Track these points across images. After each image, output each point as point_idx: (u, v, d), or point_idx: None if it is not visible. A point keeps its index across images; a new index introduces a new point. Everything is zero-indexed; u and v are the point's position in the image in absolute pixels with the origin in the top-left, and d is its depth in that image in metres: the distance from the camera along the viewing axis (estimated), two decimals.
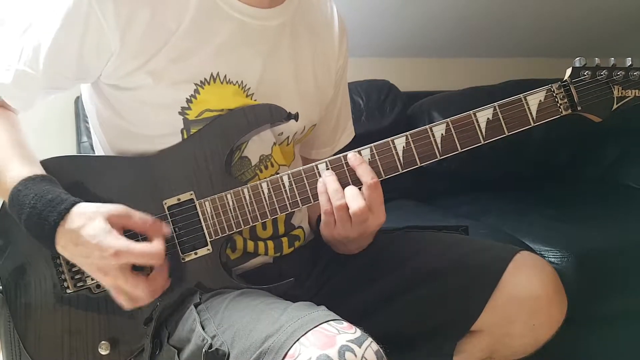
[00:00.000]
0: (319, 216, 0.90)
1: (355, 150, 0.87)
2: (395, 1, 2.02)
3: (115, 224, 0.77)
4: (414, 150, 0.87)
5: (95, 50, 0.84)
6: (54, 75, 0.86)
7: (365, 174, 0.84)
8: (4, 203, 0.84)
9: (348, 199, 0.83)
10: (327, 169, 0.86)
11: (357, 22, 1.97)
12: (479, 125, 0.87)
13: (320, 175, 0.86)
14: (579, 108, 0.88)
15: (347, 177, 0.86)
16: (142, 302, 0.80)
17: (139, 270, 0.80)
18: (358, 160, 0.85)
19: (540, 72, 2.01)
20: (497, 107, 0.87)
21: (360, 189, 0.85)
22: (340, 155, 0.87)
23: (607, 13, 2.31)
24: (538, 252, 1.45)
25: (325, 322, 0.70)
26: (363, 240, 0.92)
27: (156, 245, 0.78)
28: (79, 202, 0.78)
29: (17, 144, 0.85)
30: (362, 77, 2.01)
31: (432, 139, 0.86)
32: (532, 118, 0.87)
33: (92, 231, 0.75)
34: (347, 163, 0.86)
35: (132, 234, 0.81)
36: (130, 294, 0.78)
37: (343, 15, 1.08)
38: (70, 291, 0.86)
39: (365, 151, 0.86)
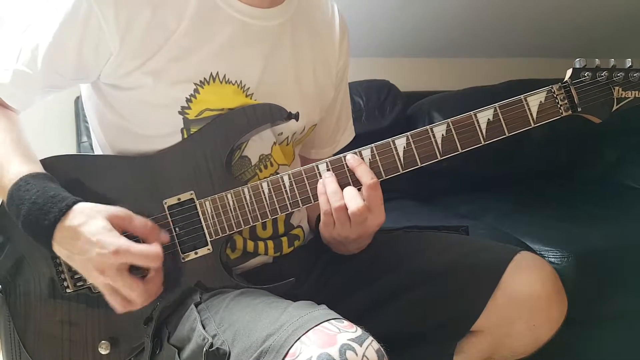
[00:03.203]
0: (319, 216, 0.90)
1: (356, 150, 0.87)
2: (396, 1, 2.02)
3: (116, 225, 0.77)
4: (414, 150, 0.87)
5: (94, 50, 0.84)
6: (52, 75, 0.86)
7: (365, 175, 0.84)
8: (3, 202, 0.84)
9: (347, 200, 0.83)
10: (328, 169, 0.86)
11: (357, 22, 1.97)
12: (479, 126, 0.87)
13: (320, 176, 0.86)
14: (579, 109, 0.88)
15: (348, 178, 0.86)
16: (136, 306, 0.79)
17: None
18: (357, 161, 0.85)
19: (540, 72, 2.01)
20: (497, 108, 0.87)
21: (359, 189, 0.85)
22: (340, 155, 0.87)
23: (608, 14, 2.31)
24: (538, 252, 1.45)
25: (326, 320, 0.71)
26: (362, 241, 0.92)
27: (155, 248, 0.78)
28: (80, 201, 0.78)
29: (18, 142, 0.85)
30: (362, 77, 2.01)
31: (432, 139, 0.86)
32: (533, 119, 0.87)
33: (92, 228, 0.75)
34: (347, 164, 0.86)
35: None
36: (126, 296, 0.78)
37: (343, 15, 1.08)
38: (70, 291, 0.86)
39: (366, 151, 0.86)
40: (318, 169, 0.86)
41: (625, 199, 1.99)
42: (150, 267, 0.80)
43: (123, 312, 0.80)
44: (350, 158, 0.86)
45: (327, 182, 0.85)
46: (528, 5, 2.17)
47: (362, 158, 0.86)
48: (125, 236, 0.78)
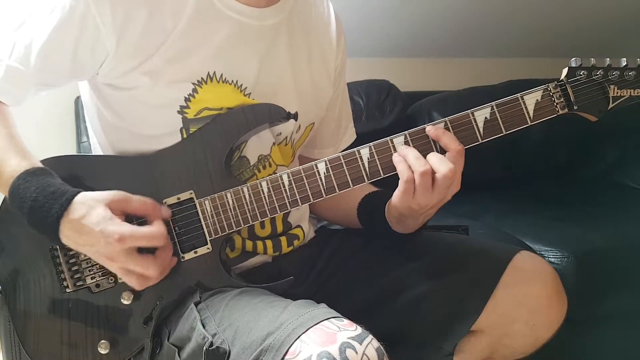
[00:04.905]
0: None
1: (354, 149, 0.87)
2: (395, 1, 2.02)
3: (116, 210, 0.79)
4: None
5: (90, 50, 0.84)
6: (45, 72, 0.86)
7: (453, 142, 0.85)
8: (4, 199, 0.84)
9: (436, 164, 0.83)
10: (406, 141, 0.86)
11: (356, 22, 1.98)
12: (476, 124, 0.87)
13: (319, 174, 0.86)
14: (575, 107, 0.89)
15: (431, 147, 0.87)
16: (153, 280, 0.81)
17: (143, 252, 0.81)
18: (441, 130, 0.86)
19: (540, 72, 2.01)
20: (494, 107, 0.87)
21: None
22: (419, 127, 0.87)
23: (607, 14, 2.31)
24: (538, 252, 1.45)
25: (326, 319, 0.71)
26: (434, 210, 0.91)
27: (157, 227, 0.80)
28: (79, 192, 0.79)
29: (12, 137, 0.85)
30: (362, 77, 2.01)
31: (430, 137, 0.87)
32: (529, 117, 0.88)
33: (94, 219, 0.76)
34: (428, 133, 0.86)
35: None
36: (140, 274, 0.79)
37: (342, 15, 1.08)
38: (69, 290, 0.87)
39: (365, 150, 0.87)
40: (317, 168, 0.86)
41: (625, 199, 1.99)
42: (156, 246, 0.80)
43: (142, 289, 0.82)
44: (432, 128, 0.86)
45: (407, 151, 0.85)
46: (528, 5, 2.17)
47: (361, 157, 0.86)
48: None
